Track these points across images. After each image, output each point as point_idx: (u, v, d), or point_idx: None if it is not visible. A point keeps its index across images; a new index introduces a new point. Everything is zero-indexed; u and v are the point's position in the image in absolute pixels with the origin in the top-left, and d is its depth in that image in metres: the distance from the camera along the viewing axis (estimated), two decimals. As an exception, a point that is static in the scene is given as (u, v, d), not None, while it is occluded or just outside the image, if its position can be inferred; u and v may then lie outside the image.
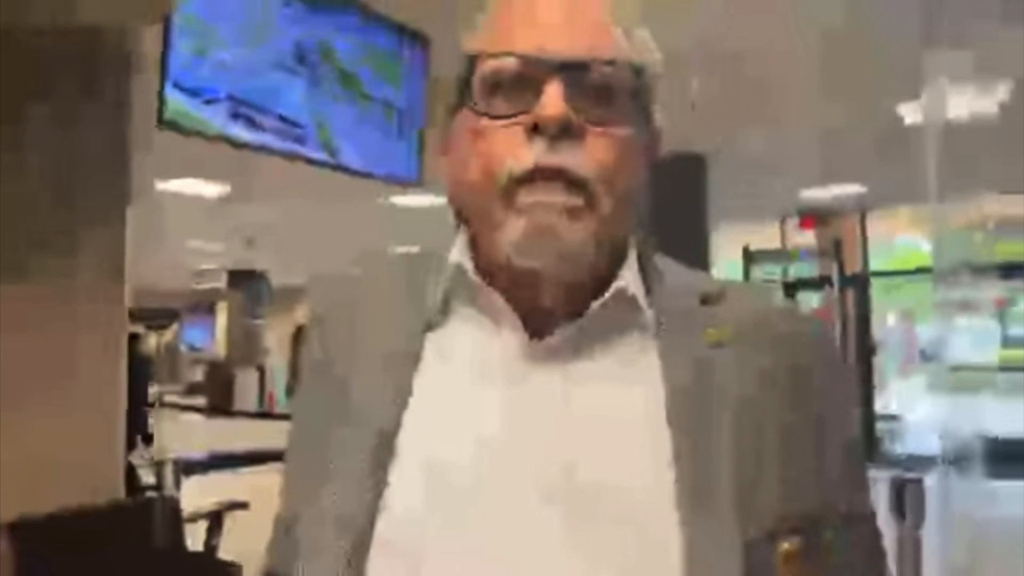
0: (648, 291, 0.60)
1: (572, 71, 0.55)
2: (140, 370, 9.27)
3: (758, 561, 0.51)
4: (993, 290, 7.13)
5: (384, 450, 0.56)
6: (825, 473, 0.57)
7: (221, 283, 12.91)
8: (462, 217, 0.63)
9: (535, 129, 0.55)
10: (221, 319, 14.46)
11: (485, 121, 0.57)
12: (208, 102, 2.32)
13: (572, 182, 0.55)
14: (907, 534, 2.05)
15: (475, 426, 0.57)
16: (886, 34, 3.43)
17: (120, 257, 2.52)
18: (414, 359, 0.60)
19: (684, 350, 0.57)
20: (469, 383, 0.59)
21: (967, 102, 3.98)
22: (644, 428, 0.55)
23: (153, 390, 8.60)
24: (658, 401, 0.56)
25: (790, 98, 4.33)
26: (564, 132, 0.54)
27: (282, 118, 2.57)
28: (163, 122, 2.20)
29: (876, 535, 0.62)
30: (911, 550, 2.04)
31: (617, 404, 0.56)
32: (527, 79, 0.56)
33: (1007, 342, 8.08)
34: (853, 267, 7.86)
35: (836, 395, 0.61)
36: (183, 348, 16.11)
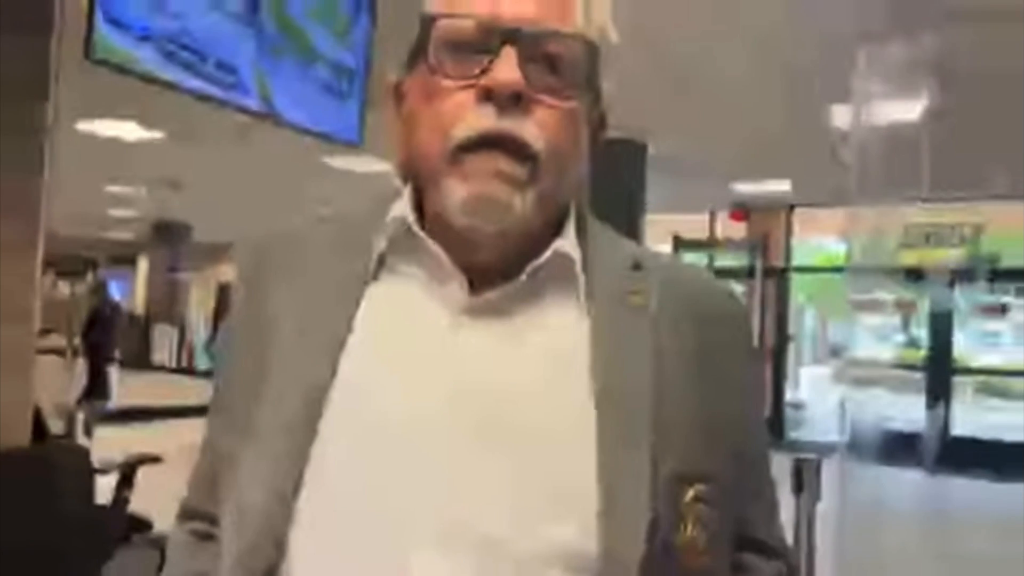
0: (583, 254, 0.62)
1: (527, 39, 0.56)
2: (104, 322, 8.85)
3: (667, 499, 0.55)
4: (899, 292, 7.58)
5: (315, 403, 0.57)
6: (731, 434, 0.61)
7: (142, 234, 12.36)
8: (408, 174, 0.64)
9: (487, 95, 0.56)
10: (141, 271, 13.86)
11: (438, 81, 0.58)
12: (141, 39, 2.22)
13: (519, 151, 0.56)
14: (804, 510, 2.20)
15: (409, 376, 0.58)
16: (820, 34, 3.56)
17: (36, 199, 2.39)
18: (349, 313, 0.60)
19: (611, 310, 0.60)
20: (404, 336, 0.60)
21: (891, 109, 4.18)
22: (571, 379, 0.58)
23: (61, 341, 8.22)
24: (584, 354, 0.59)
25: (723, 93, 4.45)
26: (515, 100, 0.56)
27: (219, 64, 2.48)
28: (91, 57, 2.09)
29: (774, 501, 0.67)
30: (806, 524, 2.20)
31: (547, 356, 0.59)
32: (482, 43, 0.57)
33: (911, 343, 8.61)
34: (776, 261, 8.20)
35: (746, 366, 0.66)
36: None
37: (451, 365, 0.58)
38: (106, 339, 8.78)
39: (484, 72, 0.56)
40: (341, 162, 6.37)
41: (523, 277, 0.59)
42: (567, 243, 0.61)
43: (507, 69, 0.55)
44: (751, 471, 0.64)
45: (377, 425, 0.56)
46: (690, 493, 0.56)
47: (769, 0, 3.25)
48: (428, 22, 0.59)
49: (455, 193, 0.57)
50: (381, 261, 0.62)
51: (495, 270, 0.60)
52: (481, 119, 0.56)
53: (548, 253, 0.60)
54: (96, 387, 8.65)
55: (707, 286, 0.67)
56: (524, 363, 0.58)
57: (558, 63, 0.58)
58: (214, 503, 0.62)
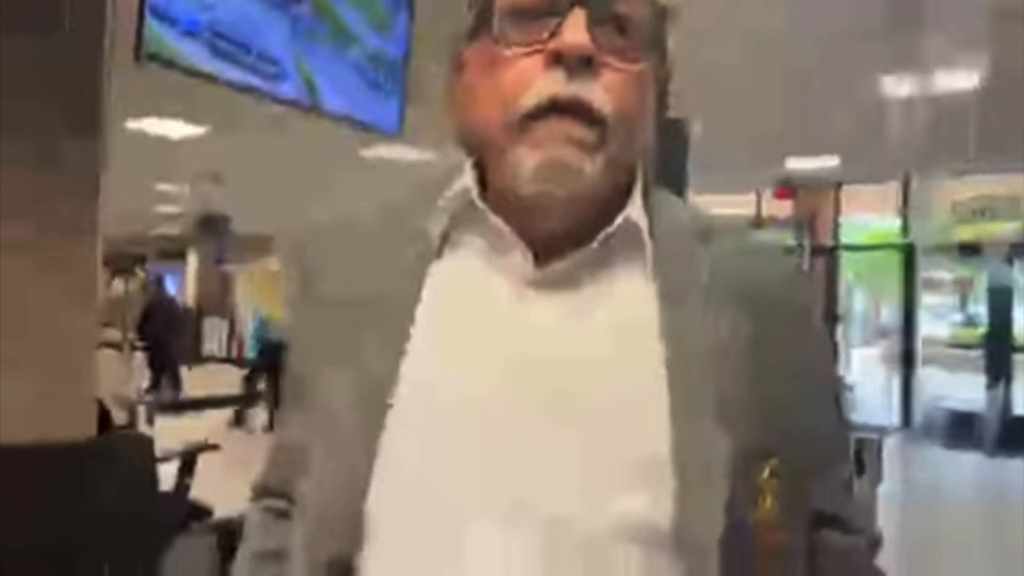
0: (650, 223, 0.60)
1: (595, 2, 0.55)
2: (164, 316, 9.13)
3: (743, 475, 0.53)
4: (956, 270, 7.34)
5: (384, 388, 0.57)
6: (803, 409, 0.59)
7: (188, 228, 12.65)
8: (469, 149, 0.63)
9: (555, 60, 0.54)
10: (191, 265, 14.21)
11: (501, 51, 0.56)
12: (187, 34, 2.25)
13: (588, 116, 0.55)
14: (865, 491, 2.15)
15: (476, 354, 0.57)
16: (865, 9, 3.43)
17: (93, 198, 2.46)
18: (411, 295, 0.60)
19: (679, 280, 0.59)
20: (470, 312, 0.59)
21: (942, 80, 4.02)
22: (640, 351, 0.56)
23: (118, 335, 8.48)
24: (653, 325, 0.57)
25: (769, 70, 4.33)
26: (585, 64, 0.54)
27: (261, 55, 2.50)
28: (142, 53, 2.12)
29: (850, 477, 0.65)
30: (869, 505, 2.15)
31: (615, 328, 0.58)
32: (549, 6, 0.55)
33: (969, 321, 8.34)
34: (824, 239, 8.01)
35: (815, 341, 0.64)
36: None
37: (518, 340, 0.57)
38: (168, 333, 9.08)
39: (552, 36, 0.54)
40: (377, 152, 6.41)
41: (594, 245, 0.58)
42: (636, 210, 0.59)
43: (576, 32, 0.54)
44: (825, 447, 0.62)
45: (444, 406, 0.56)
46: (766, 469, 0.54)
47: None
48: None
49: (526, 161, 0.55)
50: (444, 238, 0.61)
51: (562, 239, 0.58)
52: (551, 84, 0.54)
53: (619, 220, 0.58)
54: (161, 379, 8.97)
55: (775, 259, 0.66)
56: (592, 335, 0.57)
57: (627, 24, 0.56)
58: (289, 483, 0.63)
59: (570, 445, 0.54)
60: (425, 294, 0.60)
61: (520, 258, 0.59)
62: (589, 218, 0.58)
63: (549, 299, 0.58)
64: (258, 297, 7.88)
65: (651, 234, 0.60)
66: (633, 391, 0.55)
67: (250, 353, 8.21)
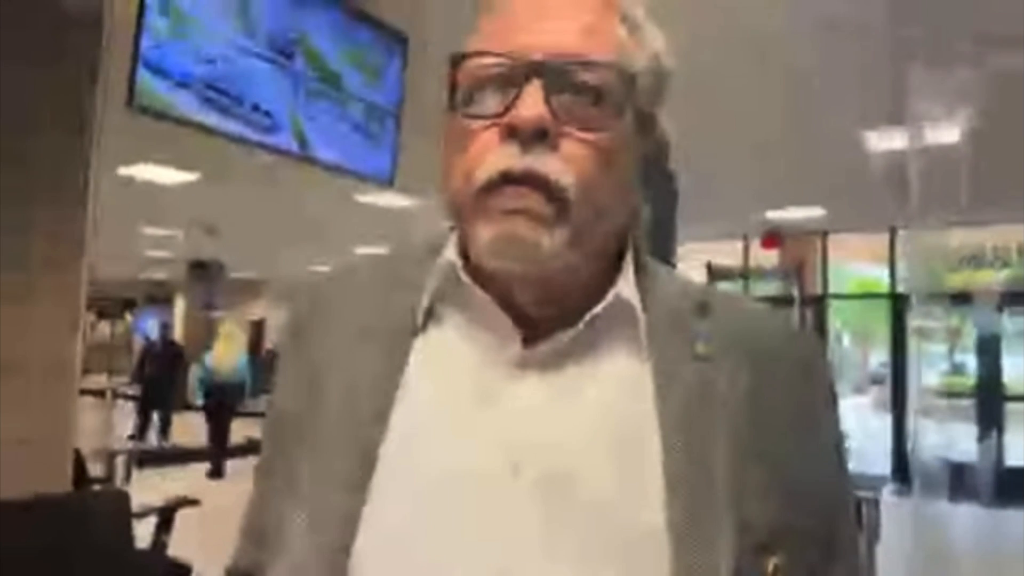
0: (642, 299, 0.58)
1: (554, 71, 0.53)
2: (161, 360, 9.03)
3: (748, 573, 0.50)
4: (945, 318, 7.37)
5: (367, 464, 0.54)
6: (813, 494, 0.56)
7: (178, 273, 12.60)
8: (453, 220, 0.61)
9: (510, 133, 0.53)
10: (179, 310, 14.10)
11: (466, 124, 0.55)
12: (180, 85, 2.26)
13: (545, 188, 0.52)
14: (863, 550, 2.10)
15: (462, 434, 0.55)
16: (855, 59, 3.52)
17: (79, 242, 2.43)
18: (398, 367, 0.58)
19: (676, 360, 0.56)
20: (455, 391, 0.57)
21: (929, 132, 4.09)
22: (634, 435, 0.54)
23: (102, 380, 8.34)
24: (649, 412, 0.54)
25: (753, 119, 4.41)
26: (540, 136, 0.52)
27: (255, 107, 2.52)
28: (134, 104, 2.13)
29: (857, 564, 0.61)
30: (867, 566, 2.08)
31: (607, 411, 0.55)
32: (507, 79, 0.54)
33: (956, 370, 8.34)
34: (812, 288, 8.05)
35: (826, 418, 0.60)
36: (138, 338, 15.66)
37: (505, 422, 0.54)
38: (165, 377, 8.99)
39: (508, 109, 0.53)
40: (368, 198, 6.44)
41: (580, 326, 0.55)
42: (626, 287, 0.57)
43: (530, 104, 0.52)
44: (833, 532, 0.58)
45: (430, 484, 0.53)
46: (771, 564, 0.51)
47: (796, 27, 3.23)
48: (456, 62, 0.57)
49: (483, 235, 0.53)
50: (429, 311, 0.59)
51: (548, 316, 0.56)
52: (503, 159, 0.53)
53: (607, 300, 0.56)
54: (147, 426, 8.81)
55: (781, 331, 0.62)
56: (583, 419, 0.54)
57: (591, 95, 0.54)
58: (261, 564, 0.59)
59: (562, 532, 0.51)
60: (411, 365, 0.58)
61: (506, 336, 0.57)
62: (573, 295, 0.57)
63: (537, 380, 0.56)
64: (225, 344, 7.97)
65: (644, 309, 0.57)
66: (627, 478, 0.53)
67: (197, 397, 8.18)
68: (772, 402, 0.56)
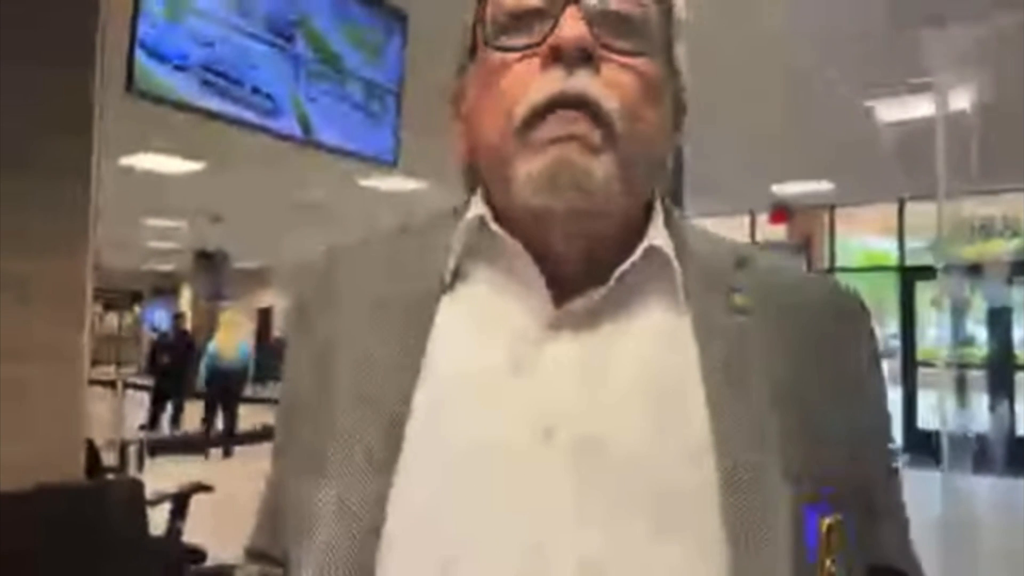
0: (676, 251, 0.56)
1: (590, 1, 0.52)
2: (173, 351, 9.12)
3: (800, 529, 0.49)
4: (956, 290, 7.32)
5: (392, 442, 0.52)
6: (858, 449, 0.54)
7: (184, 264, 12.63)
8: (475, 179, 0.59)
9: (553, 57, 0.51)
10: (185, 300, 14.15)
11: (497, 61, 0.53)
12: (178, 68, 2.23)
13: (593, 113, 0.50)
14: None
15: (492, 400, 0.52)
16: (860, 30, 3.45)
17: (83, 232, 2.41)
18: (421, 334, 0.55)
19: (714, 314, 0.54)
20: (484, 354, 0.54)
21: (937, 101, 4.03)
22: (677, 392, 0.52)
23: (111, 371, 8.38)
24: (690, 364, 0.52)
25: (758, 93, 4.35)
26: (583, 57, 0.51)
27: (255, 90, 2.48)
28: (133, 89, 2.10)
29: (905, 521, 0.59)
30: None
31: (645, 367, 0.53)
32: (544, 10, 0.52)
33: (966, 341, 8.30)
34: (820, 263, 8.00)
35: (869, 371, 0.58)
36: (147, 329, 15.74)
37: (538, 387, 0.52)
38: (180, 366, 9.08)
39: (548, 35, 0.51)
40: (371, 182, 6.40)
41: (611, 282, 0.53)
42: (659, 237, 0.55)
43: (571, 25, 0.50)
44: (880, 488, 0.56)
45: (458, 458, 0.51)
46: (825, 524, 0.49)
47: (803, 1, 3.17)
48: (483, 3, 0.55)
49: (526, 172, 0.51)
50: (455, 272, 0.57)
51: (581, 271, 0.54)
52: (548, 83, 0.51)
53: (640, 250, 0.53)
54: (160, 415, 8.90)
55: (823, 285, 0.60)
56: (621, 375, 0.52)
57: (627, 23, 0.53)
58: (280, 545, 0.58)
59: (598, 496, 0.49)
60: (437, 327, 0.55)
61: (536, 295, 0.54)
62: (604, 246, 0.54)
63: (570, 339, 0.53)
64: (225, 331, 8.09)
65: (679, 262, 0.55)
66: (668, 437, 0.50)
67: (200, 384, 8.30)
68: (815, 356, 0.54)
